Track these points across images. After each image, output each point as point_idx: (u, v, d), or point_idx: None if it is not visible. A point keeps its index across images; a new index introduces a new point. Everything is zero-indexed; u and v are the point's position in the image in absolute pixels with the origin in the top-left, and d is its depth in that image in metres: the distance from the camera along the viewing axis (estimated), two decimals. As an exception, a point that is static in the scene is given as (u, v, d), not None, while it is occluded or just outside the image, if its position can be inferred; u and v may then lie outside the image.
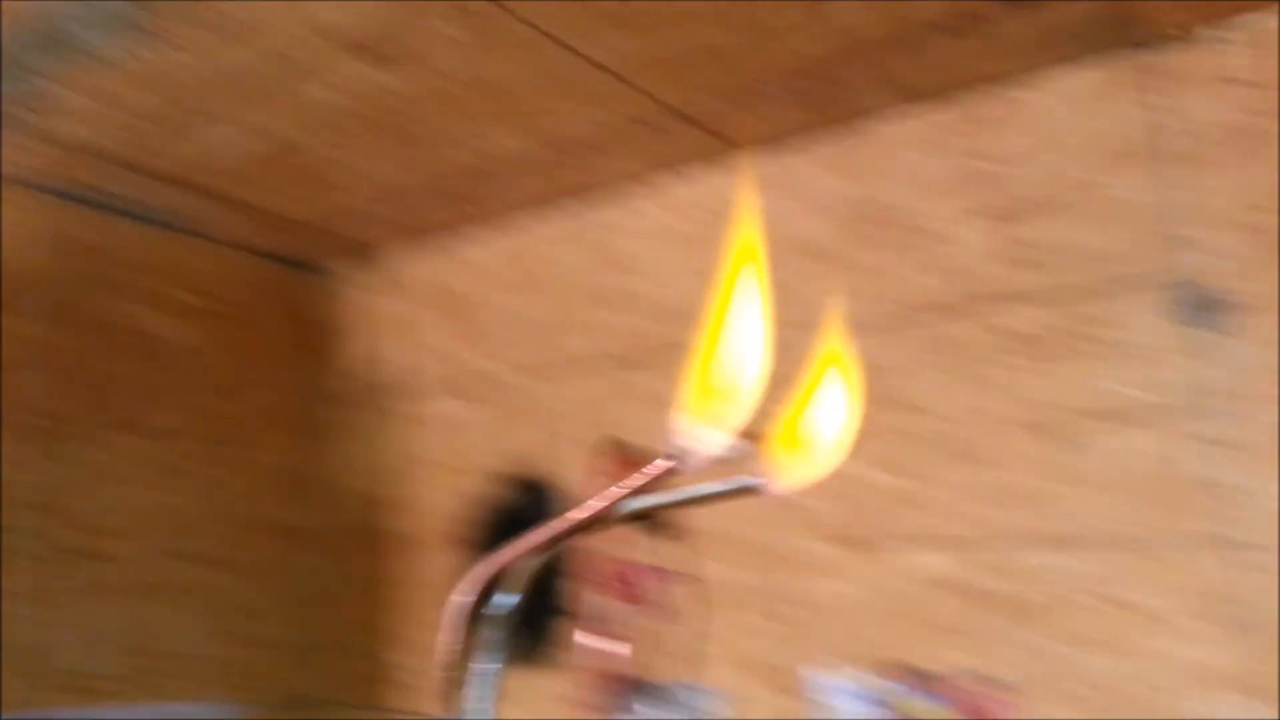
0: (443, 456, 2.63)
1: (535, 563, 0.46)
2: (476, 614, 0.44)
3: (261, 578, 2.74)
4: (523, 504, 2.47)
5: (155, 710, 2.46)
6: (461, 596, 0.43)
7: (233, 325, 2.78)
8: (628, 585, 2.20)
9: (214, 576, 2.63)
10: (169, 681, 2.51)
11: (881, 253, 1.99)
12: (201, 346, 2.69)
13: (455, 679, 0.43)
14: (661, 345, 2.25)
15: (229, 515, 2.70)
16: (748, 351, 0.43)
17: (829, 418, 0.47)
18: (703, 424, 0.42)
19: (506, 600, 0.46)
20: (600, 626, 2.20)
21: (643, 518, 0.47)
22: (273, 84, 1.93)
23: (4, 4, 1.64)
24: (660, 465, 0.44)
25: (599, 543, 2.25)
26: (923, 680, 1.74)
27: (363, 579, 2.76)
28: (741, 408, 0.42)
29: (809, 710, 1.85)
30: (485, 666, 0.44)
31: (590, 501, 0.47)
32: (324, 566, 2.86)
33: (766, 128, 2.14)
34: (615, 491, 0.46)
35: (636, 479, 0.46)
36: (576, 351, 2.40)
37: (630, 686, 2.11)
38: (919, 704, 1.73)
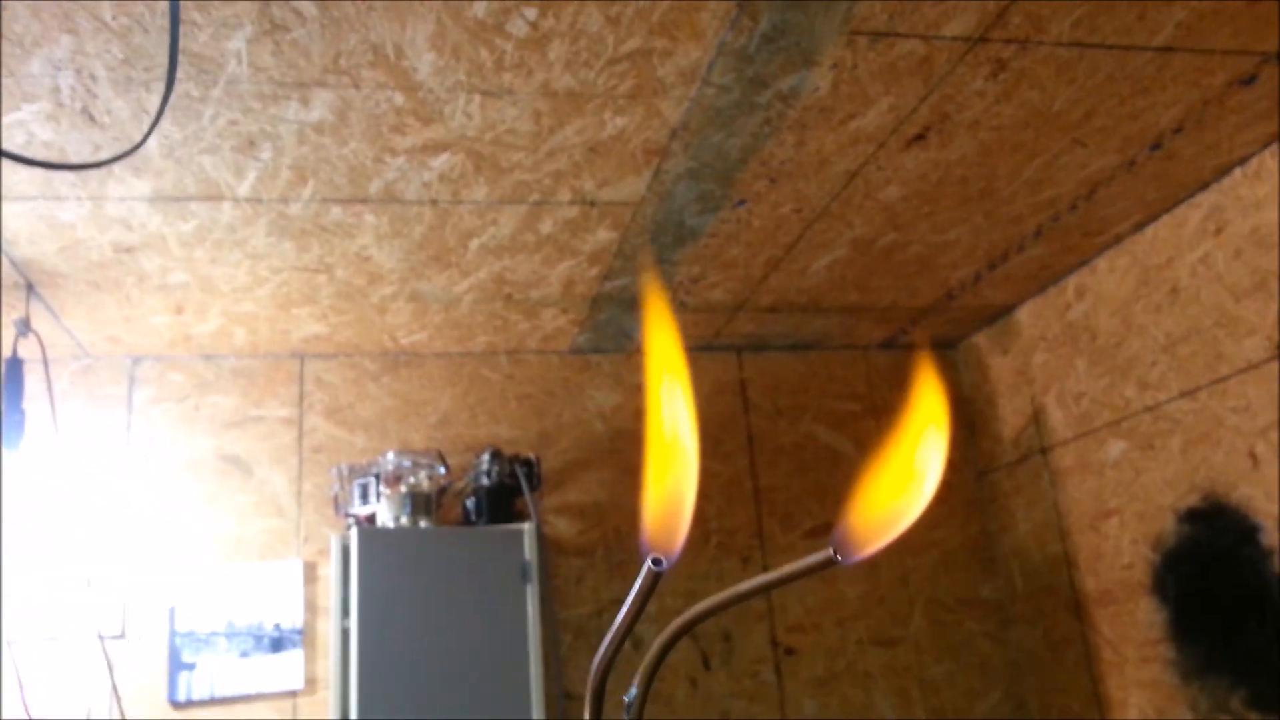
0: (1123, 503, 2.45)
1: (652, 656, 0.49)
2: (600, 704, 0.48)
3: (964, 653, 2.81)
4: (1209, 538, 2.17)
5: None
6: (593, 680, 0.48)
7: (889, 420, 2.97)
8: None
9: (908, 658, 2.77)
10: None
11: None
12: (868, 446, 2.92)
13: None
14: (1357, 319, 1.86)
15: (925, 598, 2.84)
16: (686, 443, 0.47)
17: (930, 473, 0.47)
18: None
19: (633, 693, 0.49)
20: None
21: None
22: (854, 199, 2.11)
23: (645, 211, 2.09)
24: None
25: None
26: None
27: (1058, 643, 2.66)
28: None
29: None
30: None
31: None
32: (1026, 636, 2.82)
33: None
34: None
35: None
36: (1250, 354, 2.10)
37: None
38: None
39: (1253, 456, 2.10)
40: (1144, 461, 2.40)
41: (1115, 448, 2.49)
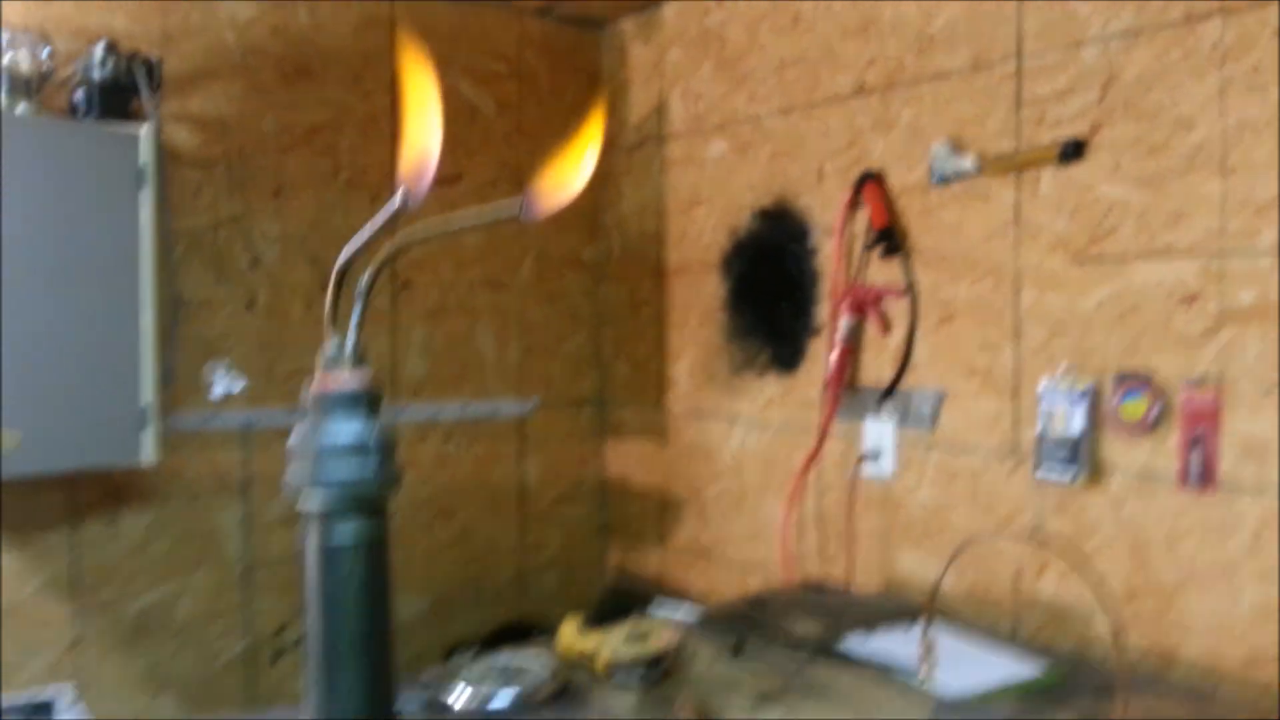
0: (714, 195, 2.86)
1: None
2: (340, 288, 0.66)
3: (560, 302, 3.25)
4: (772, 233, 2.66)
5: (472, 406, 3.09)
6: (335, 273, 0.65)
7: (534, 86, 3.12)
8: (863, 303, 2.38)
9: (512, 301, 3.15)
10: (484, 384, 3.12)
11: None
12: (509, 108, 3.06)
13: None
14: (921, 74, 2.27)
15: (536, 252, 3.18)
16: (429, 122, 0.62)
17: (587, 165, 0.65)
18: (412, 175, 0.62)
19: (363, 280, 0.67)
20: (839, 339, 2.42)
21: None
22: None
23: None
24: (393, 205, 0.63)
25: (840, 266, 2.42)
26: (1135, 382, 1.80)
27: (639, 302, 3.18)
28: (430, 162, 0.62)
29: (1028, 410, 1.97)
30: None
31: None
32: (613, 293, 3.30)
33: None
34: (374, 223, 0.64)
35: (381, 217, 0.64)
36: (839, 89, 2.47)
37: (860, 389, 2.33)
38: (1128, 403, 1.80)
39: (820, 173, 2.54)
40: (737, 163, 2.79)
41: (716, 147, 2.86)
